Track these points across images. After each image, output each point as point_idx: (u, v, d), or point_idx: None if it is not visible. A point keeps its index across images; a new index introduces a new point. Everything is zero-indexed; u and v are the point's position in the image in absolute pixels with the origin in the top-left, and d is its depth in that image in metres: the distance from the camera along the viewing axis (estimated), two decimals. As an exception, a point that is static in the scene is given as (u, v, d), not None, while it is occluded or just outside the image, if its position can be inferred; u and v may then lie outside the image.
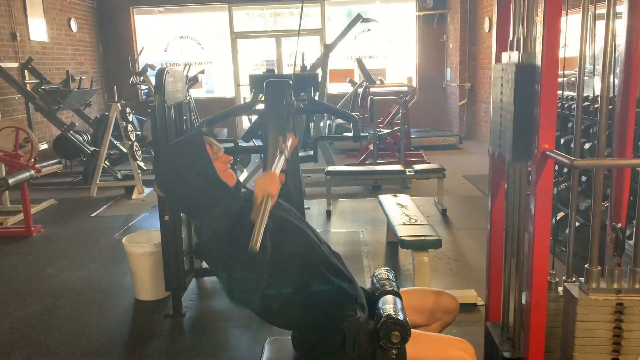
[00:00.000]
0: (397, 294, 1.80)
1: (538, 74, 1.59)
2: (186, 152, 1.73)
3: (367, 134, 6.44)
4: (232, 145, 4.65)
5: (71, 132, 6.81)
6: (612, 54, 1.61)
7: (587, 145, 3.55)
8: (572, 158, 1.54)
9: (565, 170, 4.04)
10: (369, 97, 7.23)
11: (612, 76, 1.71)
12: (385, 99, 8.00)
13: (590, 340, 1.64)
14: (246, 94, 9.72)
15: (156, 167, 2.86)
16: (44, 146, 6.66)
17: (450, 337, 1.79)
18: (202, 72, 8.42)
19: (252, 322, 3.05)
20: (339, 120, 8.34)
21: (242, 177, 5.98)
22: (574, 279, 1.80)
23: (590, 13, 1.69)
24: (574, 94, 2.83)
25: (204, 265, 3.63)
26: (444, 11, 10.05)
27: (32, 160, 5.17)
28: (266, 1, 10.05)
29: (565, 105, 4.17)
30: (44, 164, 6.80)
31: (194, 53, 10.69)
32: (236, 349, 2.84)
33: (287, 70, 10.04)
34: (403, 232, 3.24)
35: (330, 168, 5.55)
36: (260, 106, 4.78)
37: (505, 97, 1.82)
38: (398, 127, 6.91)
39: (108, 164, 6.50)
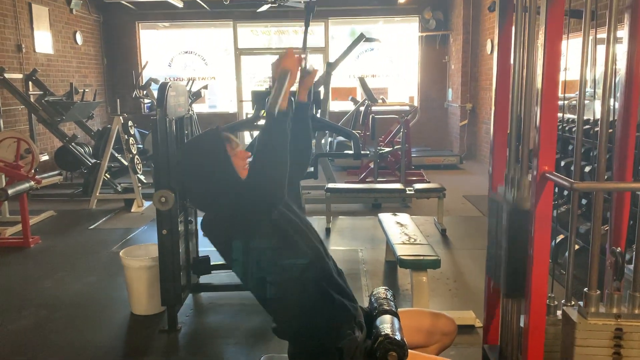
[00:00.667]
0: (395, 314, 1.79)
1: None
2: (204, 148, 1.72)
3: (368, 152, 6.45)
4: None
5: (73, 144, 6.83)
6: (612, 78, 1.62)
7: (587, 168, 3.56)
8: (572, 181, 1.54)
9: (566, 192, 4.04)
10: (371, 116, 7.26)
11: (612, 100, 1.71)
12: (387, 118, 8.05)
13: (589, 365, 1.62)
14: (248, 110, 9.76)
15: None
16: (44, 157, 6.68)
17: (447, 360, 1.77)
18: (206, 87, 8.49)
19: (248, 339, 3.02)
20: (340, 138, 8.36)
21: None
22: (573, 303, 1.78)
23: (591, 37, 1.70)
24: (575, 116, 2.85)
25: (201, 280, 3.61)
26: (446, 32, 10.14)
27: (33, 171, 5.18)
28: (271, 19, 10.15)
29: (566, 128, 4.19)
30: (45, 175, 6.82)
31: (197, 68, 10.76)
32: (231, 366, 2.82)
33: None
34: (402, 251, 3.23)
35: (330, 185, 5.55)
36: (262, 122, 4.80)
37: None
38: (399, 146, 6.92)
39: (109, 176, 6.51)
